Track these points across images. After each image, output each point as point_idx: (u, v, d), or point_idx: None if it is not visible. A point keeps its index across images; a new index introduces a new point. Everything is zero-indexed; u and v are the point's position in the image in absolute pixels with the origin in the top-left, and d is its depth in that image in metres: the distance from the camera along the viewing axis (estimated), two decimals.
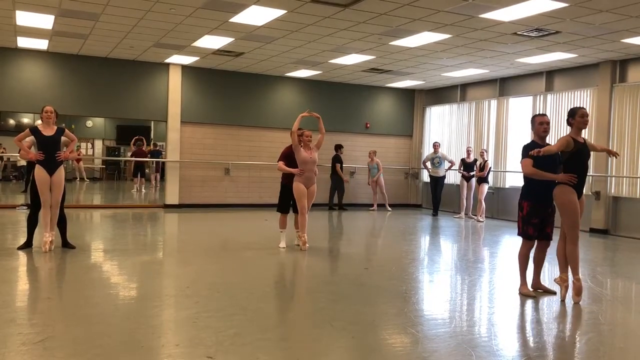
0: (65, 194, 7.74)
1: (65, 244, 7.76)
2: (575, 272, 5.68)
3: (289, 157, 8.35)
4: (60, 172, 7.48)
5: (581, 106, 6.23)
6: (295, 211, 8.48)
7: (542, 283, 6.18)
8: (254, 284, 6.26)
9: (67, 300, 5.43)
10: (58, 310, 5.02)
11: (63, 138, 7.55)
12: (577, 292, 5.63)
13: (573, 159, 5.65)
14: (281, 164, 8.37)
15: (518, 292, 5.97)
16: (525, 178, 5.92)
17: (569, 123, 5.83)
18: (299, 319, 5.10)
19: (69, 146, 7.71)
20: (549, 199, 5.79)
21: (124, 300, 5.42)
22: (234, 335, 4.31)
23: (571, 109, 5.86)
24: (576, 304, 5.60)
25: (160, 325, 4.66)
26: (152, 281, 6.42)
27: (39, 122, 7.51)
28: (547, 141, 5.97)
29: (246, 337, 4.28)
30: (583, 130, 5.87)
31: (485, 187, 13.69)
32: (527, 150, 5.79)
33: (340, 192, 15.42)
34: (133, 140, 19.27)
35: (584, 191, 5.89)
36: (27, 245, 7.62)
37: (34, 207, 7.61)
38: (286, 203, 8.60)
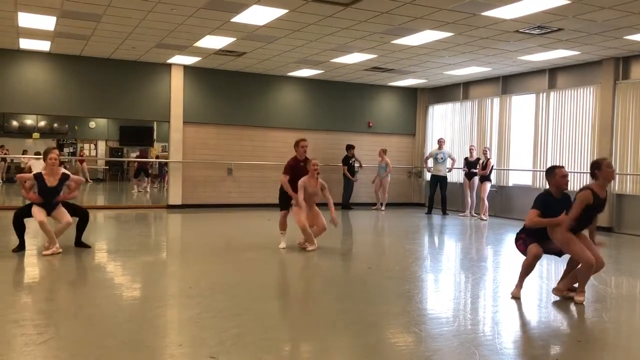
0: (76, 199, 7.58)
1: (79, 244, 7.71)
2: (580, 288, 5.55)
3: (294, 169, 8.23)
4: (60, 209, 7.40)
5: (606, 157, 5.85)
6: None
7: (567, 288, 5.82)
8: (257, 284, 6.26)
9: (71, 301, 5.44)
10: (61, 311, 5.03)
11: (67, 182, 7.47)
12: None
13: (583, 210, 5.35)
14: (285, 180, 8.22)
15: (510, 292, 5.78)
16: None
17: (594, 176, 5.40)
18: (302, 319, 5.10)
19: (72, 187, 7.54)
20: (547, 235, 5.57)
21: (127, 301, 5.43)
22: (237, 335, 4.31)
23: (595, 161, 5.46)
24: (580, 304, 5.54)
25: (163, 325, 4.67)
26: (156, 282, 6.43)
27: (41, 164, 7.30)
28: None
29: (249, 337, 4.28)
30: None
31: (487, 186, 13.66)
32: (538, 202, 5.51)
33: (347, 191, 15.44)
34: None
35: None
36: (21, 249, 7.37)
37: (21, 211, 7.43)
38: (287, 200, 8.53)
